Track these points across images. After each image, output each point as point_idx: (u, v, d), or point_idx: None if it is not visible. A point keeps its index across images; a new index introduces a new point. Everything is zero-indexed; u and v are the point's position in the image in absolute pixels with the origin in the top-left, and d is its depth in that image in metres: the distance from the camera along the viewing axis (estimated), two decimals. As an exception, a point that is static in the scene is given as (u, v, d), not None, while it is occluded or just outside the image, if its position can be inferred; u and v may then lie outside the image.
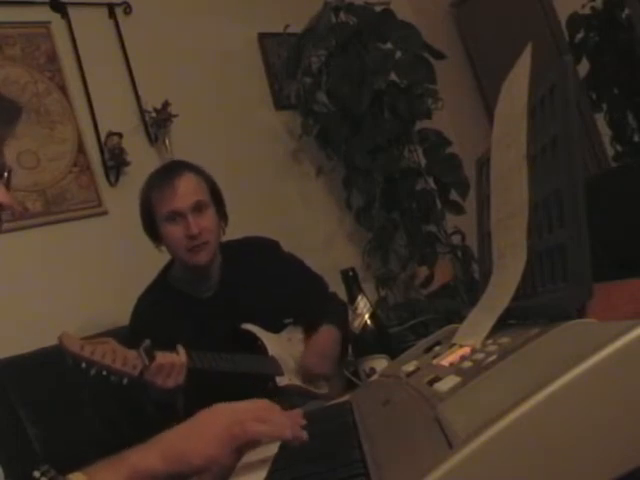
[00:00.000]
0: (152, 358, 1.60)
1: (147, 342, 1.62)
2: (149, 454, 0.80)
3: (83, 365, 1.48)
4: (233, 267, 2.01)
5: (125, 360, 1.53)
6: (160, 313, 1.94)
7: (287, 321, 2.03)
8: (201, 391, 1.66)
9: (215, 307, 1.95)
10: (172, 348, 1.71)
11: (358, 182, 3.18)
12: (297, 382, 1.93)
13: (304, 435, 0.87)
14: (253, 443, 0.88)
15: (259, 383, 1.81)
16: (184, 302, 1.97)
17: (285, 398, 1.75)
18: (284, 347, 1.97)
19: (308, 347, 1.98)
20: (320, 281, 2.18)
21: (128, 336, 1.97)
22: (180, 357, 1.67)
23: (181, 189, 1.87)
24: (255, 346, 1.92)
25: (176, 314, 1.94)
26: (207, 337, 1.89)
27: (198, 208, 1.88)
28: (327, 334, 1.99)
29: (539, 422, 0.48)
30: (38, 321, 2.30)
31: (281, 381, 1.89)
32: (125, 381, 1.54)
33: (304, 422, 0.91)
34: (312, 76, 3.23)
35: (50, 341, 2.04)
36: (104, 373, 1.50)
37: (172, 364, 1.64)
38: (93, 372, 1.49)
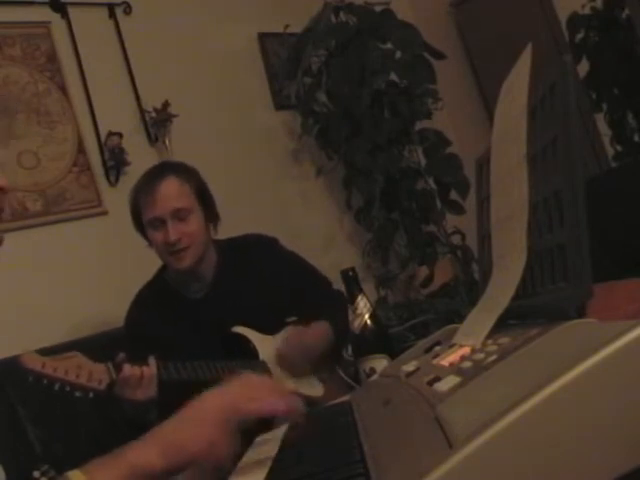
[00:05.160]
0: (120, 372, 1.59)
1: (121, 356, 1.61)
2: (147, 450, 0.80)
3: (45, 382, 1.47)
4: (228, 267, 2.00)
5: (90, 375, 1.52)
6: (152, 313, 1.94)
7: (289, 319, 2.02)
8: (181, 402, 1.65)
9: (207, 308, 1.94)
10: (163, 348, 1.70)
11: (358, 182, 3.18)
12: (288, 386, 1.91)
13: (300, 406, 0.87)
14: (248, 423, 0.86)
15: None
16: (177, 302, 1.96)
17: None
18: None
19: (291, 335, 1.94)
20: (321, 278, 2.15)
21: (123, 335, 1.98)
22: (150, 369, 1.65)
23: (161, 195, 1.86)
24: (247, 348, 1.91)
25: (168, 314, 1.93)
26: (198, 338, 1.88)
27: (179, 215, 1.87)
28: (316, 328, 1.96)
29: (539, 422, 0.48)
30: (38, 321, 2.30)
31: None
32: (91, 395, 1.53)
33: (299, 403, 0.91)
34: (312, 76, 3.23)
35: (50, 341, 2.05)
36: (67, 389, 1.50)
37: (140, 376, 1.62)
38: (56, 388, 1.48)
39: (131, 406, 1.66)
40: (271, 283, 1.99)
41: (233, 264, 2.01)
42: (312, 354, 1.94)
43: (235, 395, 0.86)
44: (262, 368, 1.89)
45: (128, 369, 1.61)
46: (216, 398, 0.85)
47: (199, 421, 0.82)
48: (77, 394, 1.51)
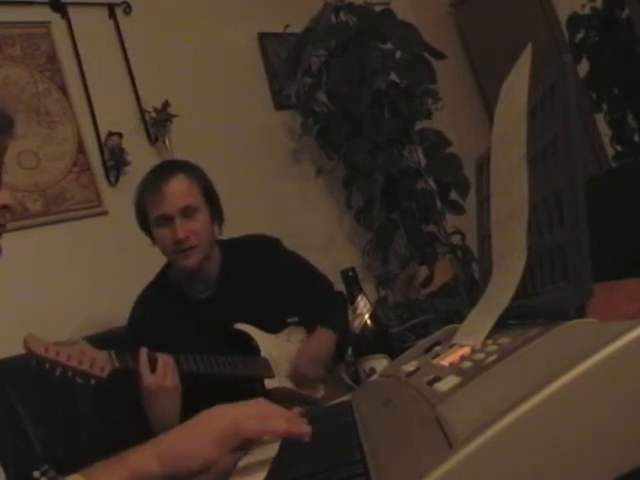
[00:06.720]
0: (122, 361, 1.60)
1: (142, 350, 1.63)
2: (147, 456, 0.80)
3: (47, 366, 1.47)
4: (232, 266, 2.01)
5: (93, 362, 1.52)
6: (155, 314, 1.93)
7: (290, 320, 2.02)
8: (184, 395, 1.67)
9: (211, 308, 1.94)
10: (167, 348, 1.71)
11: (358, 182, 3.18)
12: (288, 385, 1.91)
13: (305, 428, 0.86)
14: (250, 443, 0.87)
15: (246, 386, 1.79)
16: (181, 302, 1.96)
17: (274, 401, 1.74)
18: (281, 348, 1.95)
19: (301, 349, 1.96)
20: (323, 279, 2.16)
21: (126, 335, 1.98)
22: (164, 356, 1.67)
23: (169, 193, 1.86)
24: (250, 346, 1.91)
25: (171, 314, 1.93)
26: (202, 338, 1.88)
27: (187, 212, 1.86)
28: (322, 337, 1.97)
29: (539, 422, 0.48)
30: (38, 321, 2.30)
31: (270, 384, 1.86)
32: (92, 382, 1.53)
33: (304, 420, 0.91)
34: (312, 76, 3.23)
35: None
36: (69, 374, 1.49)
37: (164, 364, 1.66)
38: (58, 373, 1.48)
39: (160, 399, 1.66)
40: (272, 284, 2.00)
41: (236, 264, 2.01)
42: (323, 366, 1.96)
43: (240, 416, 0.86)
44: (264, 364, 1.89)
45: (144, 354, 1.62)
46: (221, 416, 0.86)
47: (200, 438, 0.82)
48: (78, 380, 1.51)
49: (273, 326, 1.97)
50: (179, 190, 1.87)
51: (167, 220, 1.87)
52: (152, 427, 1.67)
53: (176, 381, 1.67)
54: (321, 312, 2.03)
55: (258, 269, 2.01)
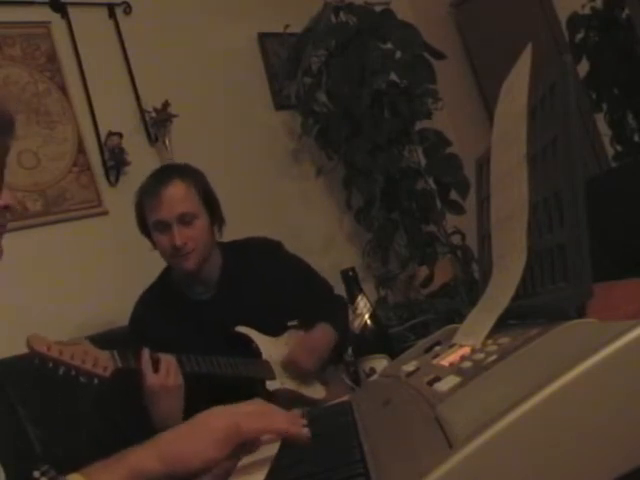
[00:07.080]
0: (125, 361, 1.60)
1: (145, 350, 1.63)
2: (147, 455, 0.80)
3: (50, 365, 1.47)
4: (233, 269, 2.01)
5: (96, 361, 1.53)
6: (156, 314, 1.94)
7: (290, 323, 2.02)
8: (185, 395, 1.67)
9: (212, 309, 1.94)
10: (167, 349, 1.71)
11: (358, 182, 3.18)
12: (290, 387, 1.92)
13: (305, 431, 0.86)
14: (252, 443, 0.87)
15: (248, 387, 1.79)
16: (182, 304, 1.96)
17: (276, 403, 1.74)
18: (280, 351, 1.95)
19: (299, 340, 1.97)
20: (323, 283, 2.16)
21: (127, 336, 1.98)
22: (167, 356, 1.68)
23: (167, 199, 1.86)
24: (250, 349, 1.91)
25: (172, 316, 1.93)
26: (203, 339, 1.88)
27: (184, 219, 1.87)
28: (321, 332, 1.98)
29: (539, 422, 0.48)
30: (38, 321, 2.30)
31: (271, 385, 1.86)
32: (95, 382, 1.54)
33: (304, 422, 0.91)
34: (312, 76, 3.23)
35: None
36: (73, 373, 1.50)
37: (167, 364, 1.66)
38: (61, 372, 1.48)
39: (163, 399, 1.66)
40: (273, 287, 2.00)
41: (237, 267, 2.01)
42: (319, 359, 1.95)
43: (241, 415, 0.86)
44: (265, 366, 1.89)
45: (147, 353, 1.63)
46: (223, 416, 0.85)
47: (200, 437, 0.82)
48: (82, 379, 1.52)
49: (273, 329, 1.97)
50: (177, 196, 1.87)
51: (165, 226, 1.87)
52: (155, 427, 1.67)
53: (179, 381, 1.67)
54: (321, 313, 2.03)
55: (259, 272, 2.01)
